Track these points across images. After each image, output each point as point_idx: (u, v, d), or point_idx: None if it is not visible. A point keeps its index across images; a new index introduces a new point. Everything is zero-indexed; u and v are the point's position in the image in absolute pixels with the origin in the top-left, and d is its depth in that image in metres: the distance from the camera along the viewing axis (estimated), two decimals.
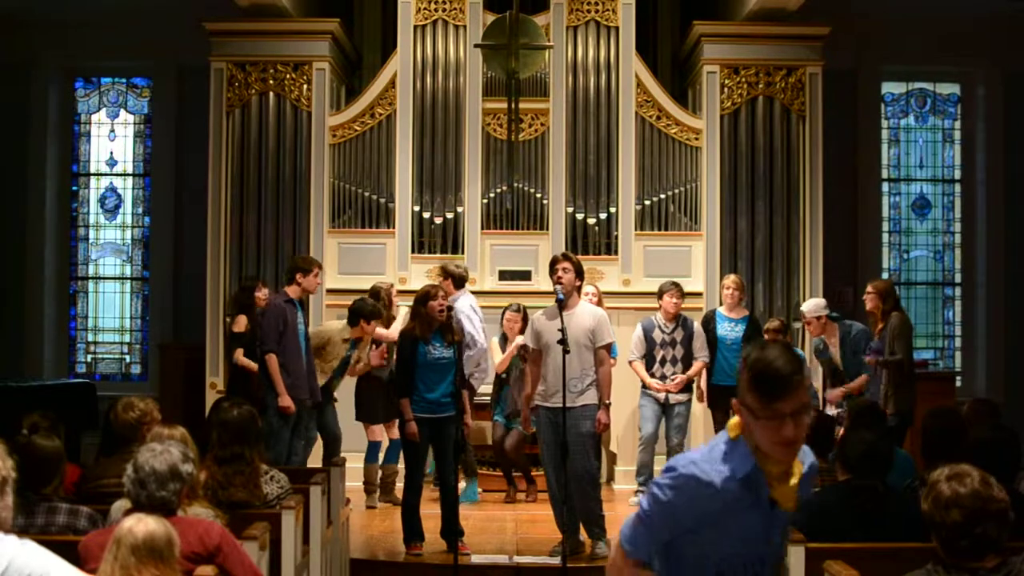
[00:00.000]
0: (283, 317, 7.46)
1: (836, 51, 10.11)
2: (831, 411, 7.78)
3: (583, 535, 6.83)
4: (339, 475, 6.20)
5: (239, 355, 8.05)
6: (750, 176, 9.76)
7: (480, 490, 8.82)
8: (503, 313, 8.62)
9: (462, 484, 8.30)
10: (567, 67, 9.74)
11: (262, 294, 8.25)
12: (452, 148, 9.73)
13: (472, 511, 8.08)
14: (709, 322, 8.87)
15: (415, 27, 9.73)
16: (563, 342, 6.37)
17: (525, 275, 9.57)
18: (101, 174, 12.00)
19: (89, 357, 11.92)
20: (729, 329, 8.79)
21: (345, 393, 8.58)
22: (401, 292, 8.99)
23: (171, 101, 11.68)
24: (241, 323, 8.13)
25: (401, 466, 7.17)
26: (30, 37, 11.50)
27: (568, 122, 9.71)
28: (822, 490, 4.51)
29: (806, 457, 2.77)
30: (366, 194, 9.76)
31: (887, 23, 11.24)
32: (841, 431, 6.29)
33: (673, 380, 8.51)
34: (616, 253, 9.63)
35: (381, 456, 8.45)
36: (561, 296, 6.62)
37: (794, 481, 2.66)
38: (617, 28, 9.73)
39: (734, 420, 2.67)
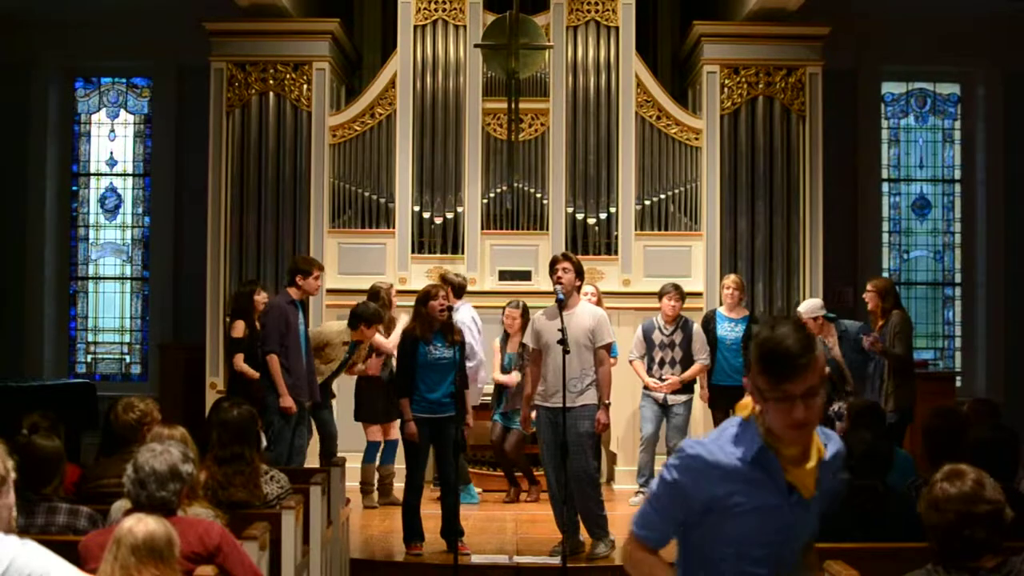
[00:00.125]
0: (285, 318, 7.46)
1: (836, 51, 10.10)
2: (834, 407, 7.79)
3: (583, 535, 6.83)
4: (339, 475, 6.20)
5: (239, 361, 8.00)
6: (750, 176, 9.76)
7: (480, 490, 8.83)
8: (504, 310, 8.63)
9: None
10: (567, 67, 9.74)
11: (261, 297, 8.22)
12: (452, 148, 9.73)
13: (472, 511, 8.08)
14: (709, 322, 8.88)
15: (415, 27, 9.73)
16: (563, 342, 6.38)
17: (525, 275, 9.57)
18: (101, 174, 12.00)
19: (89, 357, 11.92)
20: (729, 329, 8.80)
21: (345, 393, 8.59)
22: (401, 292, 9.00)
23: (171, 101, 11.68)
24: (239, 328, 8.08)
25: (401, 466, 7.17)
26: (30, 37, 11.50)
27: (568, 122, 9.71)
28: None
29: (830, 442, 2.69)
30: (366, 194, 9.76)
31: (887, 23, 11.24)
32: (840, 428, 6.29)
33: (666, 381, 8.53)
34: (616, 253, 9.63)
35: (378, 457, 8.45)
36: (561, 296, 6.63)
37: (811, 464, 2.58)
38: (617, 28, 9.73)
39: (744, 400, 2.61)
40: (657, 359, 8.60)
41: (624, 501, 8.65)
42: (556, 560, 6.51)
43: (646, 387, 8.62)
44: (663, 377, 8.56)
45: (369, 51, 10.73)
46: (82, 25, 11.44)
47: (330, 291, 9.40)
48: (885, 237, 11.83)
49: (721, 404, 8.77)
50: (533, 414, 6.91)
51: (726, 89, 9.79)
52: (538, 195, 9.70)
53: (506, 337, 8.62)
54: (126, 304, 11.95)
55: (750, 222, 9.73)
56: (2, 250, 11.60)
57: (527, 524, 7.88)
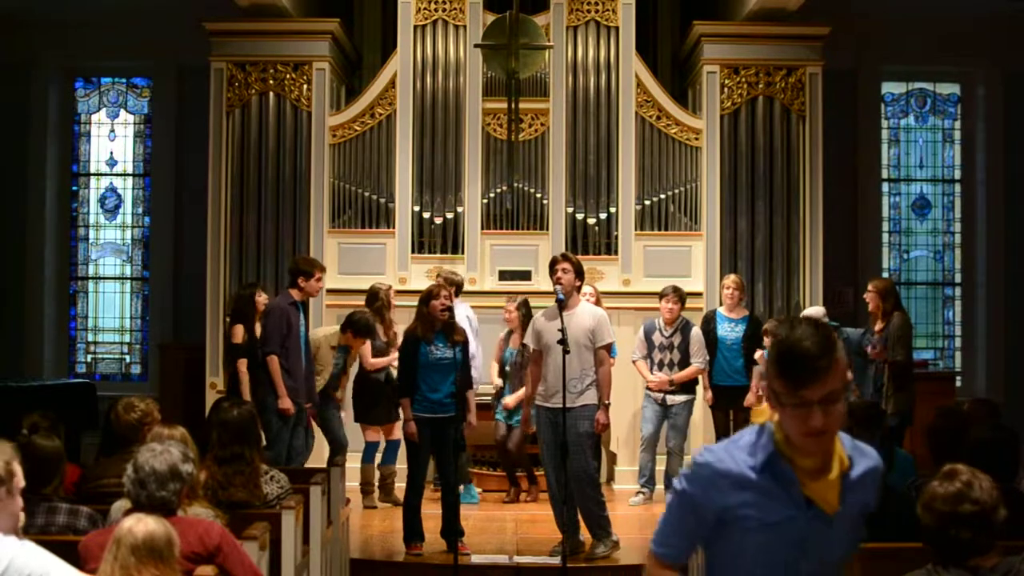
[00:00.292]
0: (287, 320, 7.46)
1: (836, 51, 10.10)
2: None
3: (584, 535, 6.83)
4: (339, 475, 6.20)
5: (243, 367, 7.90)
6: (750, 176, 9.75)
7: (480, 490, 8.83)
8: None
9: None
10: (567, 67, 9.73)
11: (262, 299, 8.20)
12: (452, 148, 9.73)
13: (472, 511, 8.08)
14: (709, 322, 8.88)
15: (415, 27, 9.72)
16: (563, 342, 6.38)
17: (525, 275, 9.57)
18: (101, 174, 12.00)
19: (89, 357, 11.92)
20: (729, 329, 8.80)
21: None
22: (401, 292, 9.00)
23: (171, 101, 11.68)
24: (238, 334, 8.01)
25: (403, 466, 7.18)
26: (30, 37, 11.50)
27: (568, 122, 9.71)
28: None
29: (864, 458, 2.49)
30: (366, 194, 9.76)
31: (887, 23, 11.23)
32: None
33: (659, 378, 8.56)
34: (616, 253, 9.63)
35: (378, 457, 8.44)
36: (561, 296, 6.63)
37: (832, 476, 2.39)
38: (617, 28, 9.72)
39: (762, 407, 2.53)
40: (656, 360, 8.61)
41: (624, 501, 8.65)
42: (556, 560, 6.51)
43: (648, 387, 8.64)
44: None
45: (369, 51, 10.72)
46: (82, 25, 11.44)
47: (330, 291, 9.40)
48: (885, 237, 11.83)
49: (721, 404, 8.78)
50: (533, 411, 6.91)
51: (726, 89, 9.79)
52: (538, 195, 9.70)
53: (509, 333, 8.64)
54: (126, 304, 11.95)
55: (750, 222, 9.72)
56: (2, 250, 11.59)
57: (527, 524, 7.88)
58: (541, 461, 7.13)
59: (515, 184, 9.64)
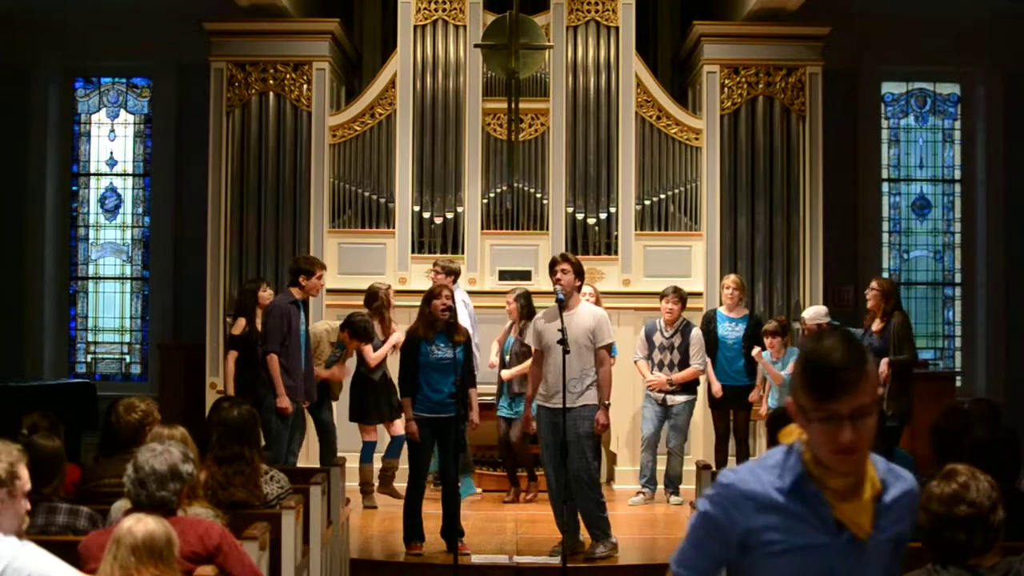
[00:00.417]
0: (288, 319, 7.47)
1: (836, 51, 10.10)
2: None
3: (584, 535, 6.83)
4: (339, 475, 6.20)
5: (231, 360, 8.03)
6: (750, 176, 9.75)
7: (480, 490, 8.82)
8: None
9: None
10: (567, 67, 9.73)
11: (266, 294, 8.24)
12: (452, 148, 9.73)
13: (472, 511, 8.08)
14: (709, 322, 8.88)
15: (415, 27, 9.72)
16: (563, 342, 6.38)
17: (525, 275, 9.56)
18: (101, 174, 12.00)
19: (89, 357, 11.92)
20: (729, 329, 8.81)
21: (342, 394, 8.58)
22: (401, 292, 9.00)
23: (171, 101, 11.68)
24: (239, 326, 8.12)
25: (404, 466, 7.18)
26: (30, 37, 11.50)
27: (568, 122, 9.71)
28: None
29: (899, 481, 2.35)
30: (366, 194, 9.76)
31: (887, 23, 11.23)
32: None
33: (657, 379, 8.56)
34: (616, 253, 9.63)
35: (377, 457, 8.44)
36: (561, 296, 6.63)
37: (865, 498, 2.25)
38: (617, 28, 9.72)
39: (790, 426, 2.35)
40: (656, 361, 8.61)
41: (624, 501, 8.65)
42: (556, 560, 6.51)
43: (648, 387, 8.64)
44: None
45: (369, 51, 10.72)
46: (82, 25, 11.44)
47: (330, 291, 9.40)
48: (885, 237, 11.83)
49: (722, 404, 8.78)
50: (534, 411, 6.91)
51: (726, 89, 9.79)
52: (538, 195, 9.70)
53: (512, 324, 8.65)
54: (126, 304, 11.95)
55: (750, 222, 9.72)
56: (2, 250, 11.59)
57: (527, 524, 7.88)
58: (542, 461, 7.13)
59: (515, 184, 9.64)
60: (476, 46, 9.45)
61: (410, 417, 6.78)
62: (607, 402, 6.75)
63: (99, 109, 12.02)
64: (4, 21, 11.38)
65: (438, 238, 9.64)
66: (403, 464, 7.64)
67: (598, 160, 9.69)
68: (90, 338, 11.95)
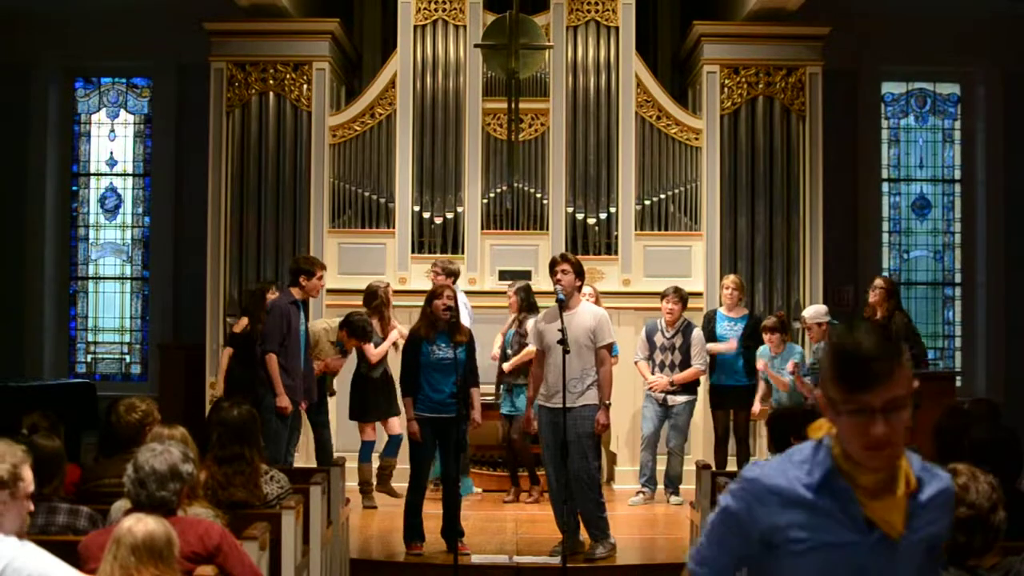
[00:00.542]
0: (287, 319, 7.47)
1: (836, 51, 10.10)
2: None
3: (584, 535, 6.83)
4: (339, 475, 6.21)
5: (225, 355, 8.05)
6: (750, 176, 9.75)
7: (480, 490, 8.82)
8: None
9: None
10: (567, 67, 9.73)
11: (275, 296, 8.24)
12: (452, 148, 9.73)
13: (472, 511, 8.08)
14: (710, 322, 8.89)
15: (415, 27, 9.72)
16: (563, 342, 6.38)
17: (525, 275, 9.54)
18: (101, 174, 12.00)
19: (89, 357, 11.92)
20: (729, 328, 8.81)
21: (341, 393, 8.59)
22: (401, 292, 9.00)
23: (171, 101, 11.67)
24: (241, 324, 8.15)
25: (404, 466, 7.18)
26: (30, 37, 11.50)
27: (568, 122, 9.71)
28: None
29: (932, 479, 2.24)
30: (366, 194, 9.76)
31: (887, 23, 11.23)
32: None
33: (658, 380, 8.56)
34: (616, 253, 9.63)
35: (376, 456, 8.44)
36: (561, 297, 6.63)
37: (898, 495, 2.16)
38: (617, 28, 9.72)
39: (820, 420, 2.25)
40: (657, 361, 8.61)
41: (624, 501, 8.65)
42: (556, 560, 6.51)
43: (649, 387, 8.64)
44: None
45: (369, 51, 10.73)
46: (82, 25, 11.44)
47: (330, 291, 9.40)
48: (885, 237, 11.83)
49: (722, 404, 8.78)
50: (534, 411, 6.91)
51: (726, 89, 9.79)
52: (538, 195, 9.70)
53: (514, 318, 8.64)
54: (126, 304, 11.95)
55: (750, 222, 9.73)
56: (2, 250, 11.59)
57: (527, 524, 7.88)
58: (542, 461, 7.13)
59: (515, 184, 9.64)
60: (476, 46, 9.46)
61: (411, 417, 6.78)
62: (607, 402, 6.75)
63: (99, 109, 12.01)
64: (4, 21, 11.38)
65: (438, 238, 9.64)
66: (402, 464, 7.64)
67: (598, 160, 9.69)
68: (90, 338, 11.94)
